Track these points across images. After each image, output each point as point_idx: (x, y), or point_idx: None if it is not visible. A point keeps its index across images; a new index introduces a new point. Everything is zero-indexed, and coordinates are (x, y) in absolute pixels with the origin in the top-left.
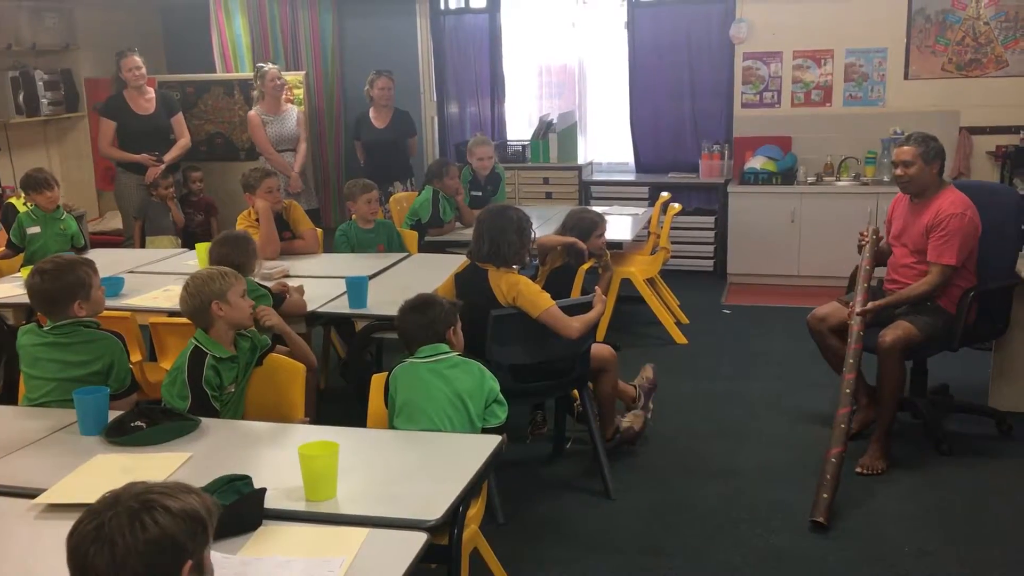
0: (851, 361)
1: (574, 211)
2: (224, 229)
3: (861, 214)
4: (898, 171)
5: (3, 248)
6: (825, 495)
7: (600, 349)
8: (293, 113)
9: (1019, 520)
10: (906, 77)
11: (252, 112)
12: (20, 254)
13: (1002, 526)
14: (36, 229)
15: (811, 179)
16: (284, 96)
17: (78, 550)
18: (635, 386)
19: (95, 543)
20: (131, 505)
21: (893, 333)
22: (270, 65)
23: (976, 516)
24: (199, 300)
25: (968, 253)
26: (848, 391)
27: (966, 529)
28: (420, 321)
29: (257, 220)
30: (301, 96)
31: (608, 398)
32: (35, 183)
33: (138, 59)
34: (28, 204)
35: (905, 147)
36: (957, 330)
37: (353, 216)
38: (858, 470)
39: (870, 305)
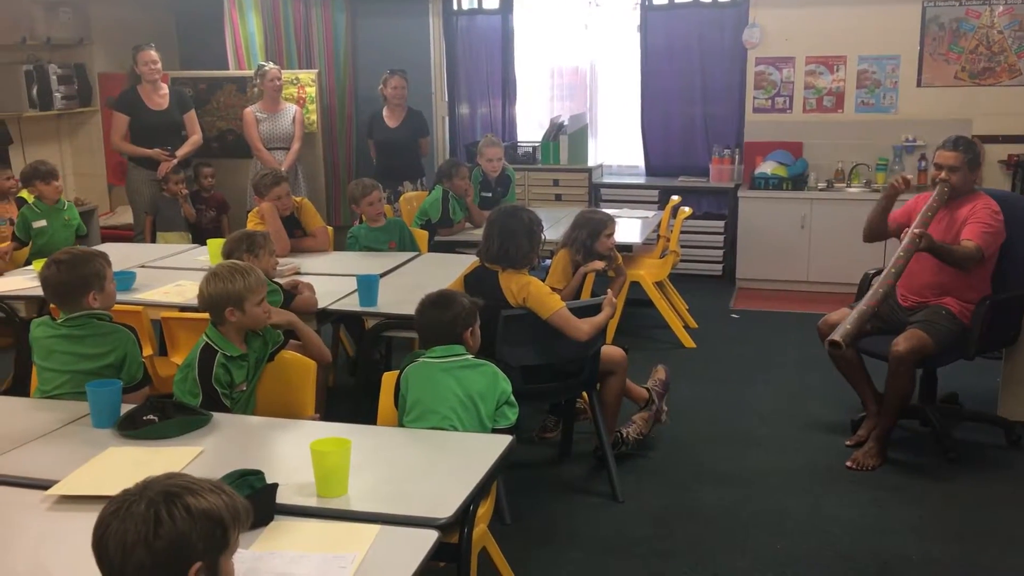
0: (892, 270)
1: (584, 211)
2: (234, 225)
3: None
4: (942, 175)
5: (10, 242)
6: (848, 326)
7: (611, 351)
8: (291, 112)
9: None
10: (919, 84)
11: (248, 109)
12: (25, 247)
13: (1009, 534)
14: (42, 223)
15: (822, 185)
16: (283, 95)
17: (102, 523)
18: (648, 389)
19: (115, 521)
20: (156, 494)
21: (907, 342)
22: (271, 64)
23: (983, 524)
24: (214, 300)
25: (991, 254)
26: (893, 270)
27: (973, 537)
28: (441, 318)
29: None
30: (314, 94)
31: (611, 404)
32: (42, 174)
33: (154, 54)
34: (33, 196)
35: (951, 152)
36: (972, 340)
37: (363, 218)
38: (849, 464)
39: (927, 238)
